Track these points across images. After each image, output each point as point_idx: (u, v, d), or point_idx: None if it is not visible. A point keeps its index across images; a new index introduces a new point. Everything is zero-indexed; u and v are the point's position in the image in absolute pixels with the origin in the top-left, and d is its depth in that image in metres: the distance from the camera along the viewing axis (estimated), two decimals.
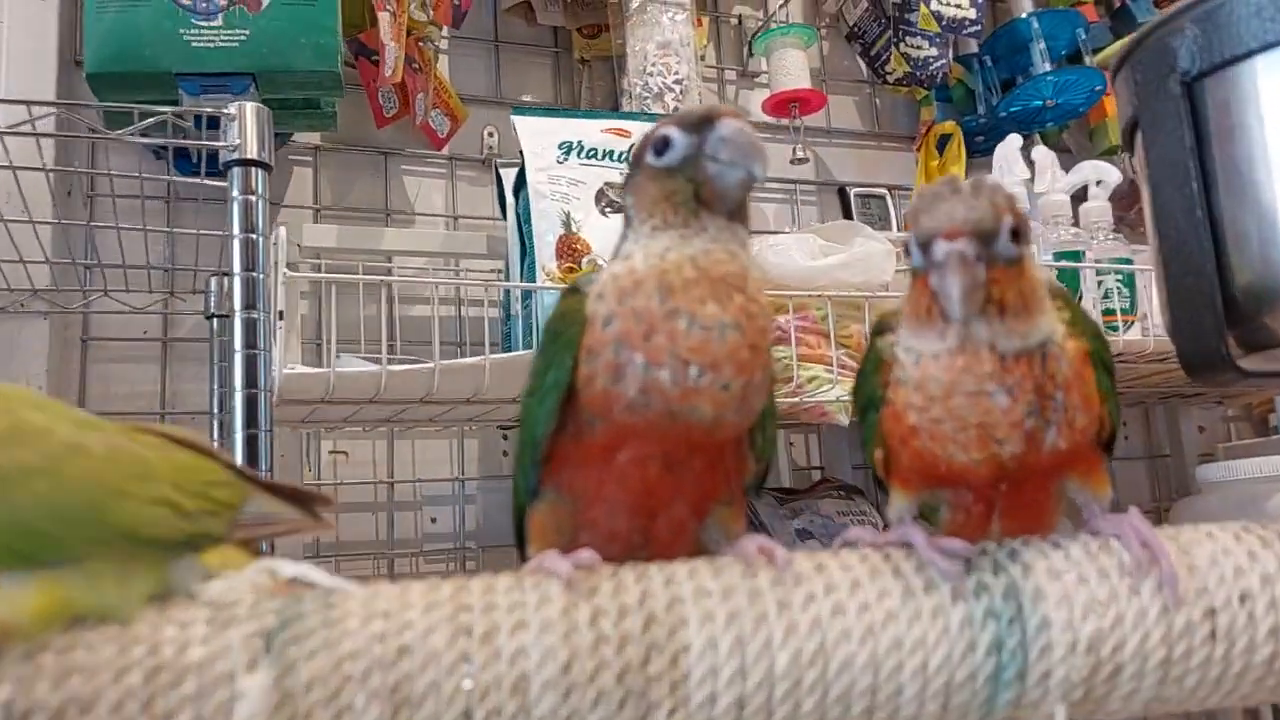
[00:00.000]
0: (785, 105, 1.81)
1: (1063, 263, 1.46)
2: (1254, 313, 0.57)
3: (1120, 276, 1.48)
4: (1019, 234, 0.54)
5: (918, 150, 1.94)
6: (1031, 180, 1.52)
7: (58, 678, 0.41)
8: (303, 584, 0.48)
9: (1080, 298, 1.48)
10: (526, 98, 1.81)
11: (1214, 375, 0.60)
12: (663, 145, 0.57)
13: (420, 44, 1.67)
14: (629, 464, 0.56)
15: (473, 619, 0.46)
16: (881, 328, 0.62)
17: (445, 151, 1.74)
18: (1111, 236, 1.53)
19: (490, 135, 1.79)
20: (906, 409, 0.56)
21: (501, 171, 1.62)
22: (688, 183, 0.57)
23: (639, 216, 0.58)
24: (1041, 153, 1.51)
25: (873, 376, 0.61)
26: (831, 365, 1.43)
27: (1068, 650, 0.49)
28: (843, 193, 1.84)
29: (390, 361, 1.16)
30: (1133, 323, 1.48)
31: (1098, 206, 1.55)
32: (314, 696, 0.42)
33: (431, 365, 1.17)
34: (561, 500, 0.59)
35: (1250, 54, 0.57)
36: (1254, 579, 0.52)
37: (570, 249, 1.46)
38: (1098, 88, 1.83)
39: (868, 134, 1.99)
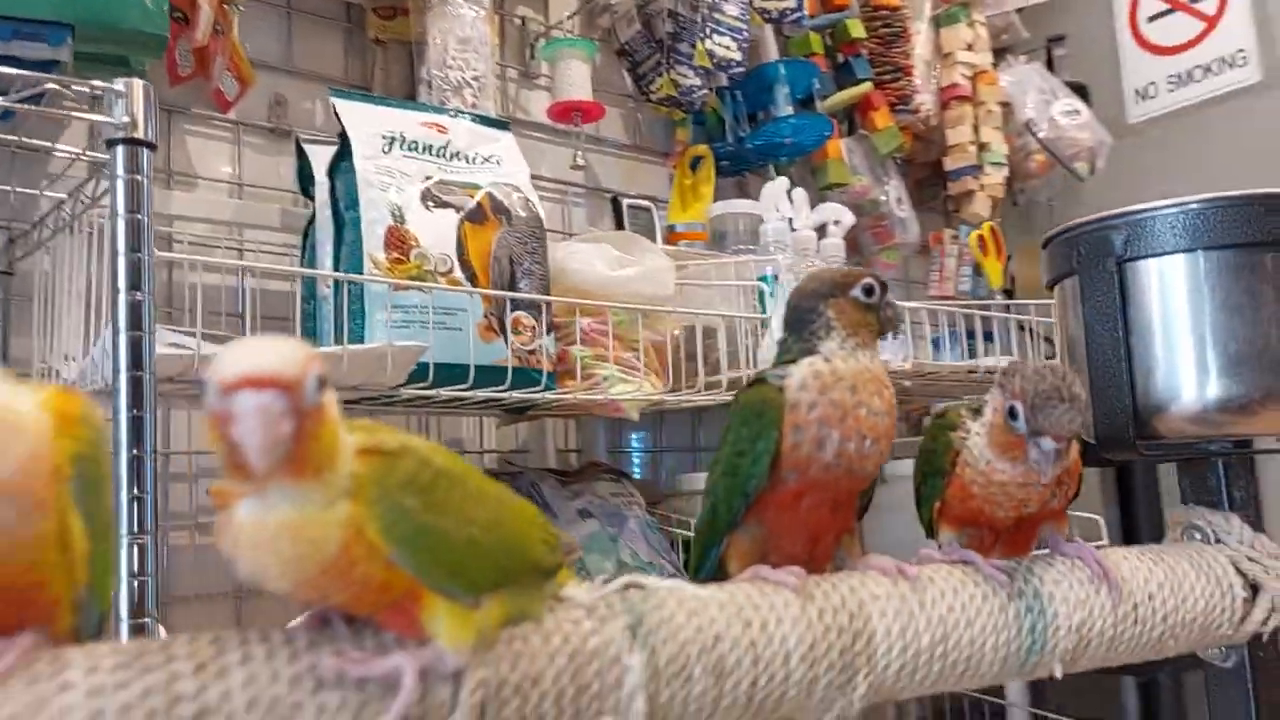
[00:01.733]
0: (568, 113, 1.99)
1: None
2: (1149, 416, 0.90)
3: None
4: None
5: (673, 167, 2.21)
6: (790, 217, 1.83)
7: (513, 661, 0.61)
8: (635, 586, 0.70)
9: None
10: (316, 69, 1.84)
11: (1122, 452, 0.98)
12: (869, 291, 0.84)
13: (225, 5, 1.66)
14: (810, 506, 0.81)
15: (751, 614, 0.70)
16: (948, 424, 0.91)
17: (233, 115, 1.74)
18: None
19: (279, 104, 1.81)
20: (971, 484, 0.87)
21: (307, 147, 1.66)
22: (877, 318, 0.83)
23: (840, 331, 0.83)
24: (799, 194, 1.82)
25: (943, 456, 0.90)
26: (635, 366, 1.65)
27: (1067, 632, 0.80)
28: (615, 202, 2.06)
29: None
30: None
31: (834, 243, 1.90)
32: (669, 670, 0.65)
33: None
34: (759, 530, 0.83)
35: (1158, 254, 0.92)
36: (1154, 583, 0.87)
37: (400, 241, 1.55)
38: (826, 133, 2.19)
39: (631, 145, 2.22)
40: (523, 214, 1.66)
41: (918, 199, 2.47)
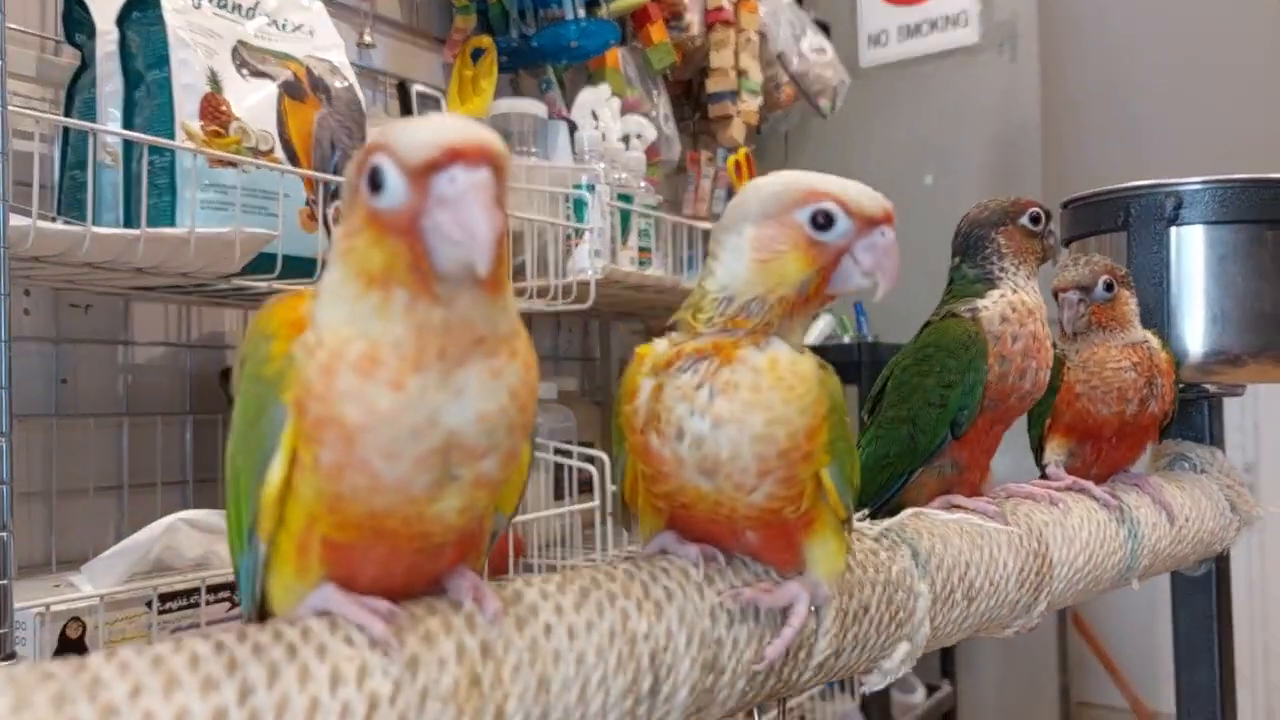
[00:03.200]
0: None
1: (619, 204, 1.85)
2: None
3: (649, 220, 1.92)
4: (1111, 285, 1.01)
5: (454, 57, 2.15)
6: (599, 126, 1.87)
7: (850, 591, 0.70)
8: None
9: (627, 234, 1.89)
10: None
11: None
12: (1035, 219, 0.94)
13: None
14: (996, 434, 0.91)
15: (981, 542, 0.82)
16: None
17: None
18: (643, 185, 1.96)
19: None
20: (1075, 383, 1.02)
21: None
22: (1041, 246, 0.93)
23: (1014, 264, 0.92)
24: (614, 104, 1.86)
25: (1056, 377, 1.00)
26: None
27: (1149, 546, 0.98)
28: (403, 89, 1.98)
29: None
30: (650, 259, 1.94)
31: (636, 156, 1.97)
32: (943, 595, 0.76)
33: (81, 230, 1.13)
34: (945, 460, 0.93)
35: (1197, 223, 1.14)
36: (1187, 509, 1.11)
37: (216, 111, 1.44)
38: (611, 40, 2.23)
39: (405, 26, 2.13)
40: (342, 93, 1.58)
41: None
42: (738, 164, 2.51)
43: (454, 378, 0.51)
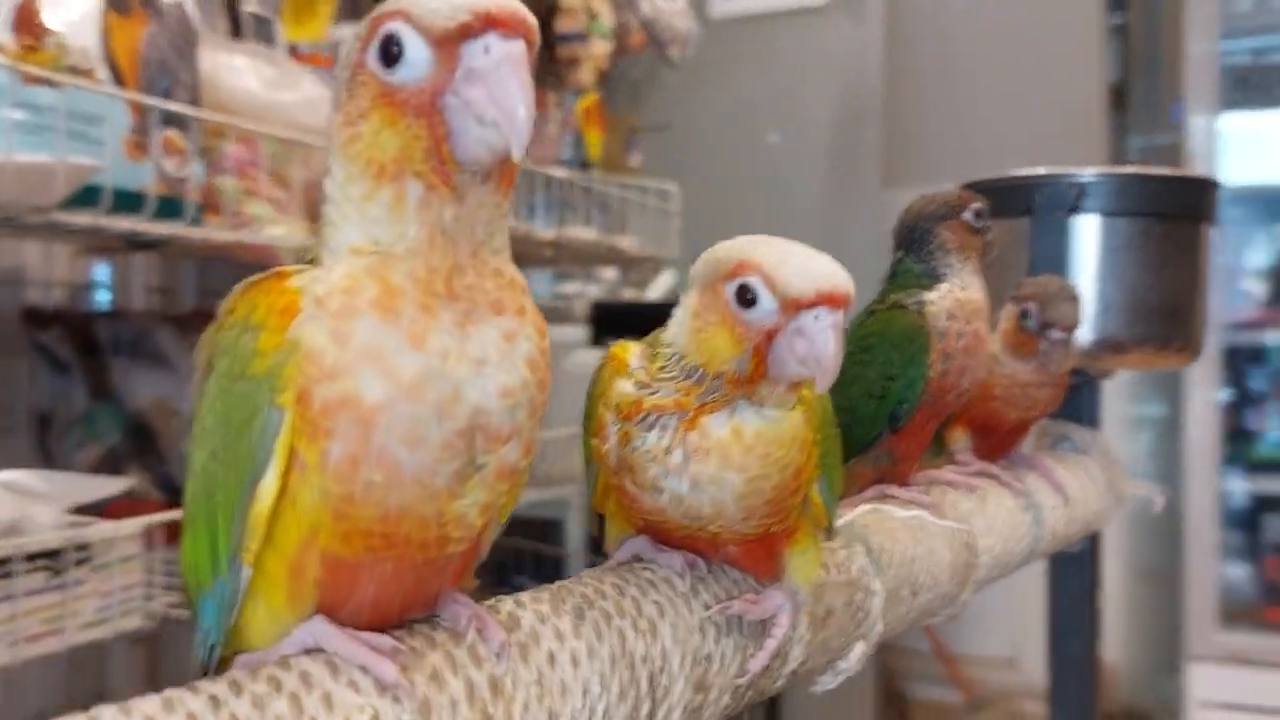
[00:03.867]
0: None
1: None
2: None
3: None
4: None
5: None
6: None
7: (818, 593, 0.68)
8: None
9: None
10: None
11: None
12: (978, 214, 0.92)
13: None
14: (931, 429, 0.90)
15: (921, 535, 0.81)
16: None
17: None
18: None
19: None
20: (994, 386, 1.02)
21: None
22: (981, 241, 0.91)
23: (959, 260, 0.90)
24: None
25: None
26: (287, 207, 1.53)
27: (1049, 529, 0.99)
28: (232, 7, 1.83)
29: None
30: None
31: None
32: (894, 592, 0.74)
33: None
34: (879, 451, 0.90)
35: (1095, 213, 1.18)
36: (1076, 488, 1.13)
37: (30, 22, 1.29)
38: None
39: None
40: (171, 9, 1.44)
41: None
42: (587, 110, 2.45)
43: (469, 335, 0.46)
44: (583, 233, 2.29)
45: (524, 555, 2.21)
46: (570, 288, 2.70)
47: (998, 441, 1.08)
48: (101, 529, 1.20)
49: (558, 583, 0.55)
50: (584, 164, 2.52)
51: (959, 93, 3.05)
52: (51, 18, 1.27)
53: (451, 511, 0.47)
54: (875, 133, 2.78)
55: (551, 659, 0.49)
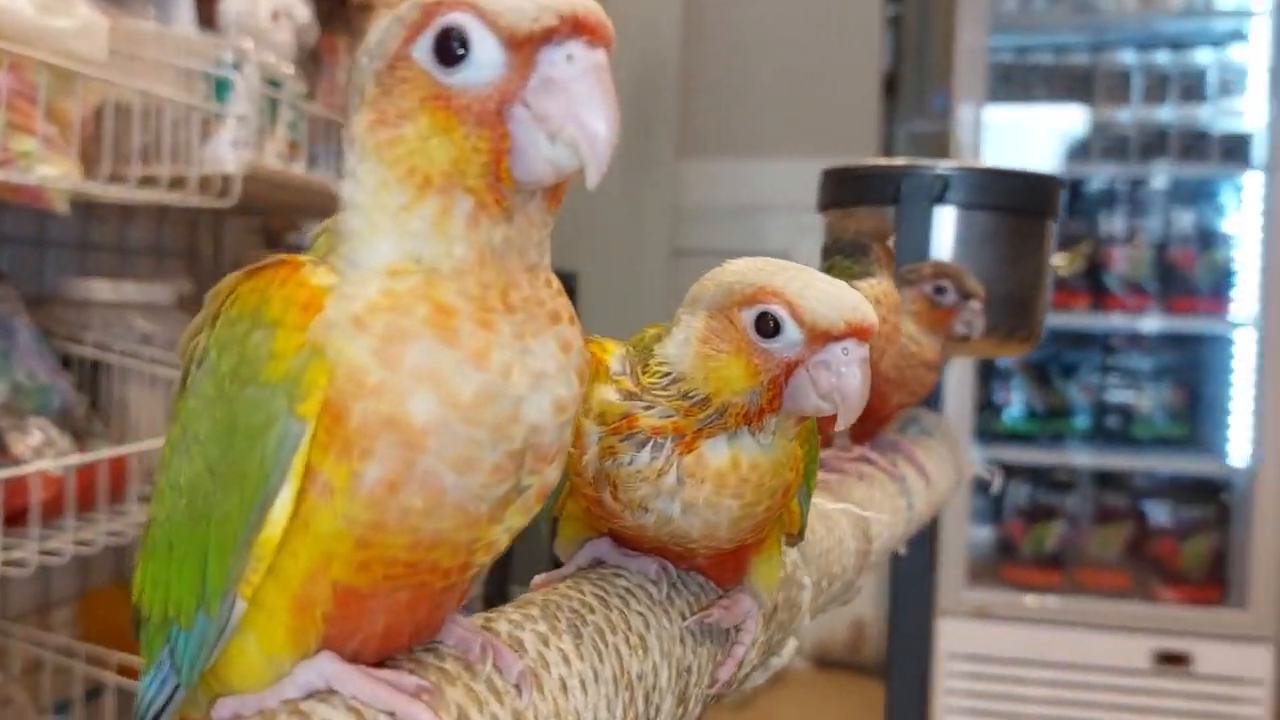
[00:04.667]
0: None
1: (270, 89, 1.65)
2: None
3: (297, 113, 1.74)
4: None
5: None
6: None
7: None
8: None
9: (275, 125, 1.70)
10: None
11: None
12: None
13: None
14: None
15: (830, 524, 0.78)
16: None
17: None
18: (290, 70, 1.76)
19: None
20: (889, 370, 1.01)
21: None
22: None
23: (883, 271, 0.98)
24: None
25: None
26: (59, 144, 1.38)
27: (917, 512, 1.00)
28: None
29: None
30: (301, 155, 1.77)
31: (284, 38, 1.76)
32: (818, 583, 0.74)
33: None
34: None
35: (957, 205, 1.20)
36: (931, 468, 1.14)
37: None
38: None
39: None
40: None
41: None
42: None
43: (528, 348, 0.41)
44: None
45: None
46: None
47: (873, 426, 1.11)
48: None
49: (536, 594, 0.50)
50: None
51: (749, 71, 3.12)
52: None
53: (486, 537, 0.42)
54: (672, 103, 2.80)
55: (564, 686, 0.45)
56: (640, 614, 0.52)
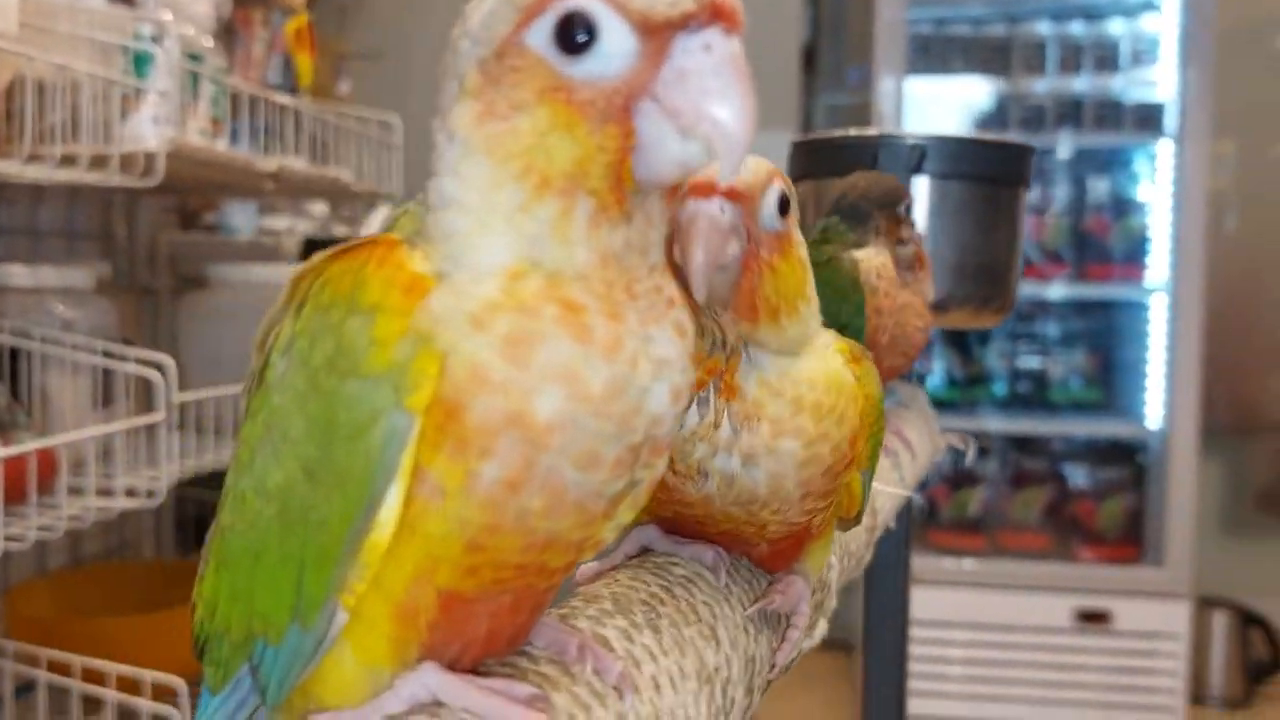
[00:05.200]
0: None
1: (191, 64, 1.58)
2: None
3: (219, 88, 1.67)
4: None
5: None
6: None
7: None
8: None
9: (196, 100, 1.63)
10: None
11: None
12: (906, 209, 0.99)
13: None
14: None
15: None
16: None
17: None
18: (209, 44, 1.69)
19: None
20: (882, 332, 0.97)
21: None
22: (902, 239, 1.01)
23: (876, 240, 0.94)
24: None
25: (859, 315, 0.96)
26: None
27: (906, 486, 0.97)
28: None
29: None
30: (223, 131, 1.70)
31: (203, 10, 1.69)
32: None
33: None
34: None
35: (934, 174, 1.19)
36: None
37: None
38: None
39: None
40: None
41: None
42: (298, 32, 2.24)
43: (650, 335, 0.38)
44: (298, 164, 2.10)
45: None
46: (280, 223, 2.48)
47: None
48: None
49: (599, 586, 0.48)
50: (293, 90, 2.31)
51: None
52: None
53: (597, 535, 0.39)
54: None
55: (656, 685, 0.42)
56: (706, 604, 0.50)
